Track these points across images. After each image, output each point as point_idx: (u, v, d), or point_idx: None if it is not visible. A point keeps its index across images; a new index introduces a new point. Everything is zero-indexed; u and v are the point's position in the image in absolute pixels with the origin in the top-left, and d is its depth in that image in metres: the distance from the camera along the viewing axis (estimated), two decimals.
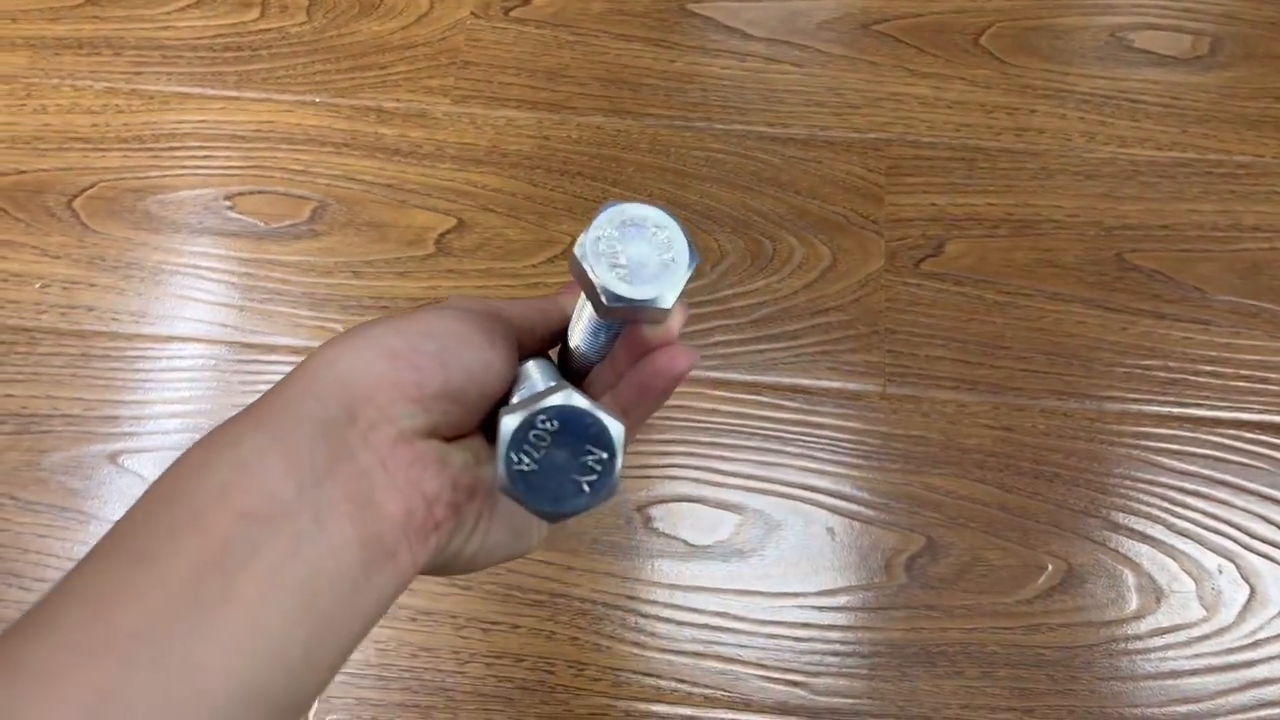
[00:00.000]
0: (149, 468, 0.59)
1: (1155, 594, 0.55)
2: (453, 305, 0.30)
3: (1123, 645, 0.54)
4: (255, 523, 0.24)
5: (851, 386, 0.61)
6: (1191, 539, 0.57)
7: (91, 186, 0.67)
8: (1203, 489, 0.58)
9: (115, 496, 0.58)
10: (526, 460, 0.25)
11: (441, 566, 0.29)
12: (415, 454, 0.27)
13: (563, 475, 0.25)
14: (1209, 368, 0.61)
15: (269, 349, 0.62)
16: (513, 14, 0.73)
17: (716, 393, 0.60)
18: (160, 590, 0.22)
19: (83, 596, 0.22)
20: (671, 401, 0.59)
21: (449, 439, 0.29)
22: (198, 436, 0.61)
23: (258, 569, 0.23)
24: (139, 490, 0.58)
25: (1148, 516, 0.57)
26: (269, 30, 0.72)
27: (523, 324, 0.32)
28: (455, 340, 0.29)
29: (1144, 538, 0.57)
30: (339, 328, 0.62)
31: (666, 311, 0.26)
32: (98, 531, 0.57)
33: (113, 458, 0.59)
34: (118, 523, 0.24)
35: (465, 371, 0.28)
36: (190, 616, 0.22)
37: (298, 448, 0.25)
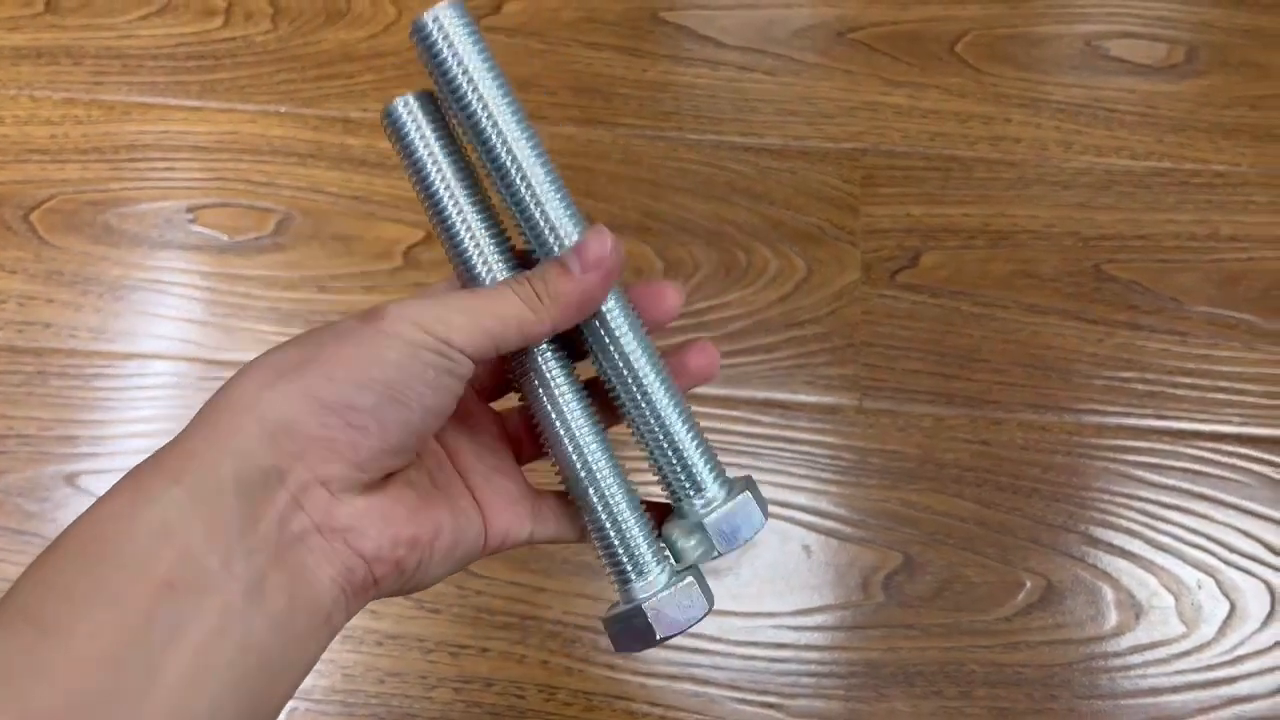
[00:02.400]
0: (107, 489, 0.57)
1: (1134, 610, 0.55)
2: (393, 333, 0.26)
3: (1102, 663, 0.54)
4: (180, 595, 0.22)
5: (827, 400, 0.60)
6: (1171, 553, 0.56)
7: (49, 199, 0.65)
8: (1181, 503, 0.57)
9: (72, 518, 0.56)
10: None
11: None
12: (352, 515, 0.25)
13: None
14: (1187, 380, 0.60)
15: (232, 365, 0.60)
16: (482, 22, 0.72)
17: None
18: (77, 670, 0.21)
19: None
20: None
21: (385, 476, 0.27)
22: None
23: (184, 649, 0.22)
24: None
25: (1127, 531, 0.57)
26: (233, 39, 0.71)
27: (476, 349, 0.28)
28: (395, 392, 0.26)
29: (1123, 553, 0.56)
30: None
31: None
32: None
33: (70, 479, 0.58)
34: (28, 576, 0.22)
35: (405, 428, 0.26)
36: (110, 701, 0.21)
37: (222, 512, 0.23)
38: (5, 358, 0.60)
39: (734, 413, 0.59)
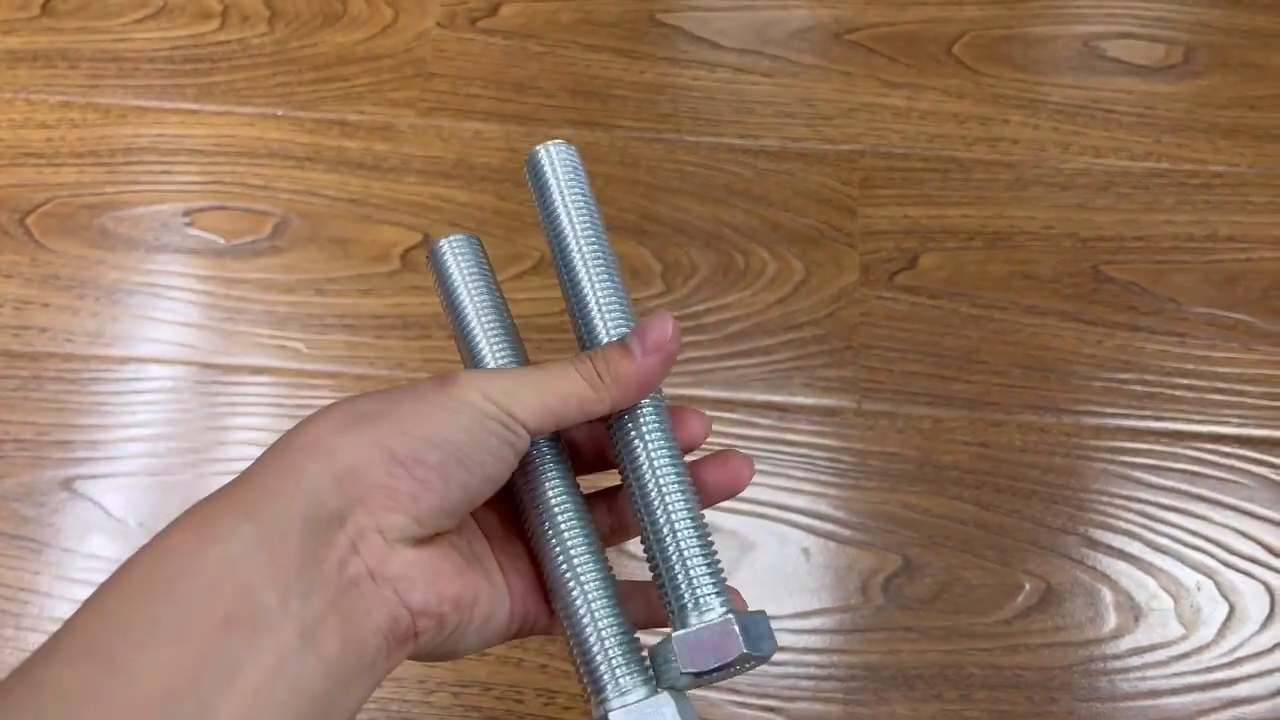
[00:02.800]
0: (105, 494, 0.57)
1: (1134, 612, 0.55)
2: (464, 400, 0.28)
3: (1101, 665, 0.54)
4: (238, 634, 0.22)
5: (826, 402, 0.60)
6: (1170, 555, 0.56)
7: (45, 203, 0.65)
8: (1180, 504, 0.57)
9: (69, 523, 0.56)
10: None
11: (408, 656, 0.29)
12: (405, 566, 0.26)
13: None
14: (1185, 381, 0.60)
15: (230, 369, 0.60)
16: (479, 25, 0.72)
17: None
18: (133, 708, 0.21)
19: (54, 704, 0.21)
20: None
21: (434, 535, 0.28)
22: (155, 461, 0.59)
23: (240, 689, 0.22)
24: (94, 517, 0.56)
25: (1126, 533, 0.56)
26: (229, 41, 0.70)
27: (539, 424, 0.29)
28: (461, 454, 0.27)
29: (1122, 555, 0.56)
30: (301, 347, 0.61)
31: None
32: (51, 560, 0.56)
33: (66, 483, 0.57)
34: (91, 607, 0.23)
35: (465, 490, 0.27)
36: None
37: (286, 550, 0.24)
38: (1, 362, 0.60)
39: (732, 415, 0.59)
